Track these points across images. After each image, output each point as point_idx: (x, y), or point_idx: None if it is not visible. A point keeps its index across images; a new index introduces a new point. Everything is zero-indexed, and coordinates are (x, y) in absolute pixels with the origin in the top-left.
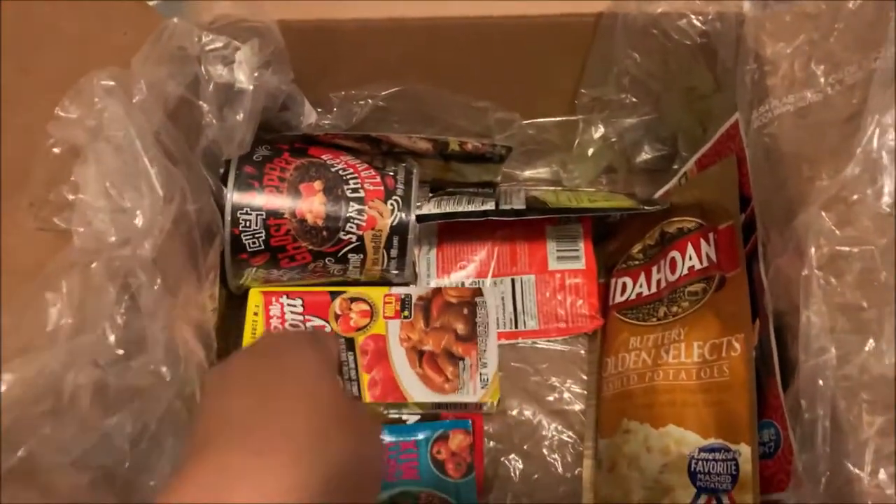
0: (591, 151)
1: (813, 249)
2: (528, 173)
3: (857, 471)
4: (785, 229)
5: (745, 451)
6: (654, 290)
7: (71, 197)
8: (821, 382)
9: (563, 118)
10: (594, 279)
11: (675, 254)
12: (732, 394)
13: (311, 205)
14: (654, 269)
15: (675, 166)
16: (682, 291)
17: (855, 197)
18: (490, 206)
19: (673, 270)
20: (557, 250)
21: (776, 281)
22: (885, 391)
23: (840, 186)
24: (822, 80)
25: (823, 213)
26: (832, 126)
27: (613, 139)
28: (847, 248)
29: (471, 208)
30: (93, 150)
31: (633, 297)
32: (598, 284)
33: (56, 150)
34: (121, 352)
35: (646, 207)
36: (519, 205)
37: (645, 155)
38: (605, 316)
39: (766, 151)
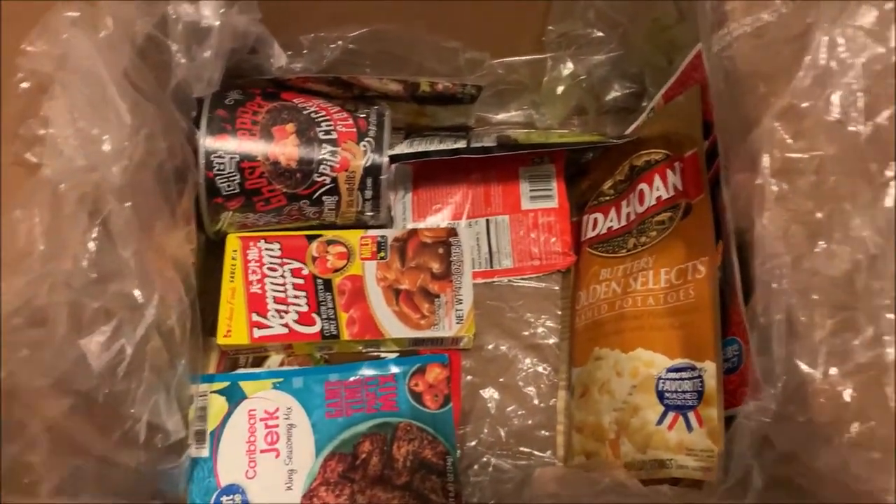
0: (560, 90)
1: (766, 158)
2: (501, 116)
3: (810, 370)
4: (742, 146)
5: (709, 368)
6: (623, 223)
7: (41, 131)
8: (774, 286)
9: (532, 56)
10: (567, 217)
11: (643, 186)
12: (698, 315)
13: (284, 147)
14: (624, 202)
15: (644, 103)
16: (650, 221)
17: (805, 105)
18: (462, 144)
19: (641, 202)
20: (530, 190)
21: (736, 199)
22: (836, 292)
23: (791, 98)
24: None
25: (776, 124)
26: (786, 43)
27: (582, 77)
28: (798, 156)
29: (442, 147)
30: (60, 82)
31: (603, 231)
32: (570, 222)
33: (24, 85)
34: (94, 275)
35: (612, 140)
36: (490, 143)
37: (614, 93)
38: (577, 252)
39: (725, 74)
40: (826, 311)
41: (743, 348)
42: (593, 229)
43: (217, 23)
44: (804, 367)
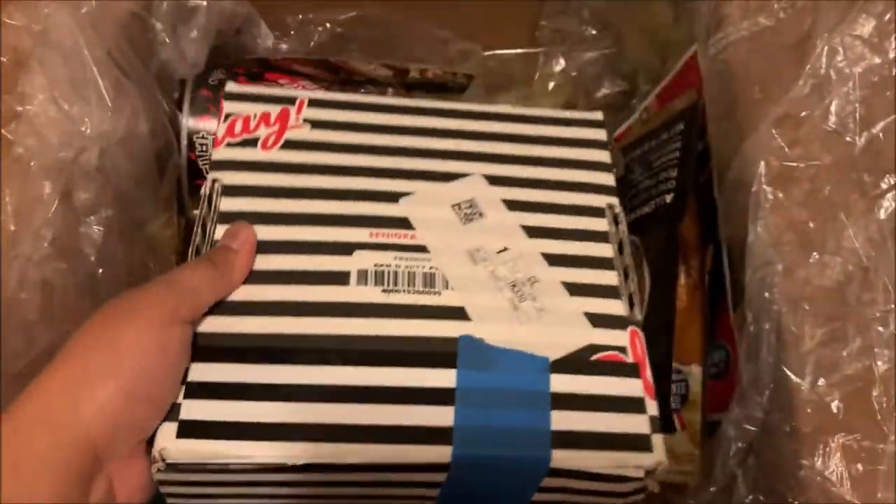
0: (551, 85)
1: (763, 165)
2: None
3: (798, 380)
4: (736, 152)
5: (695, 372)
6: None
7: (19, 108)
8: (766, 295)
9: (524, 50)
10: None
11: None
12: (688, 318)
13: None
14: None
15: (635, 101)
16: None
17: (803, 114)
18: None
19: None
20: None
21: (729, 205)
22: (827, 303)
23: (789, 105)
24: (774, 5)
25: (773, 131)
26: (783, 49)
27: (574, 73)
28: (795, 165)
29: None
30: (39, 58)
31: None
32: None
33: (2, 59)
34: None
35: None
36: None
37: (604, 90)
38: None
39: (720, 77)
40: (816, 321)
41: (731, 355)
42: None
43: (204, 3)
44: (792, 376)
